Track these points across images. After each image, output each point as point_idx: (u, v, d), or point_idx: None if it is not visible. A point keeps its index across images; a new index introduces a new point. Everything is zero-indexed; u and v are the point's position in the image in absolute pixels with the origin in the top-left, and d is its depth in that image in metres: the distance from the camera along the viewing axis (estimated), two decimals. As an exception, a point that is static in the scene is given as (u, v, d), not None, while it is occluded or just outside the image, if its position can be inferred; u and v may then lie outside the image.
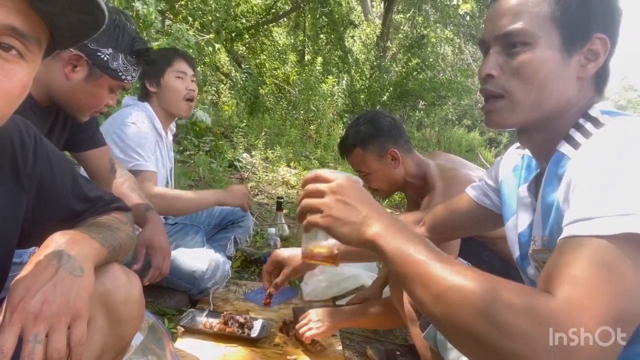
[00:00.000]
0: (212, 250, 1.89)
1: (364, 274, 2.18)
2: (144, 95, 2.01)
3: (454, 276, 0.60)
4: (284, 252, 1.51)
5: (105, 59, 1.29)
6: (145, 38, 4.88)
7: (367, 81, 11.81)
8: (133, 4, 4.69)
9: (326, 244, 0.89)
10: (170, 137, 2.17)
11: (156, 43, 4.37)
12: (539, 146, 0.86)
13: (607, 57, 0.80)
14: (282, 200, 2.66)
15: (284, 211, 3.75)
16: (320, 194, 0.79)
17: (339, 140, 1.98)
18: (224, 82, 8.95)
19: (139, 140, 1.80)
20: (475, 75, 10.99)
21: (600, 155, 0.64)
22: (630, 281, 0.54)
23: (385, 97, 11.30)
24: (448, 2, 8.39)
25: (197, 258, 1.79)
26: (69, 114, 1.37)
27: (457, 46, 12.10)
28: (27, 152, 0.80)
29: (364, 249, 0.74)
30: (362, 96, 11.41)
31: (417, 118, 12.72)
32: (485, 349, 0.55)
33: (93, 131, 1.53)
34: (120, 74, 1.32)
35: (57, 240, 0.74)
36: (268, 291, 1.51)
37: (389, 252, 0.69)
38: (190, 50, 4.53)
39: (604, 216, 0.58)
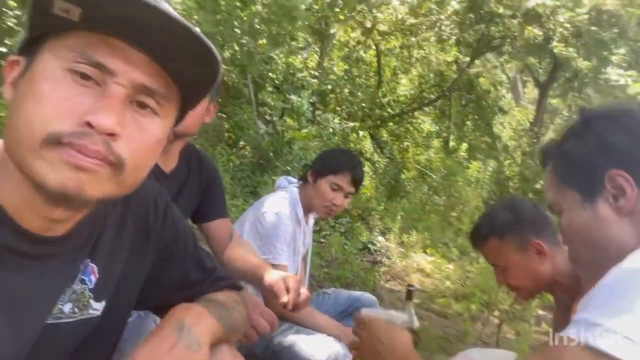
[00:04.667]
0: (332, 339, 1.82)
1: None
2: (303, 179, 2.09)
3: None
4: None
5: None
6: (297, 126, 5.39)
7: (518, 168, 11.11)
8: (289, 97, 5.28)
9: None
10: (312, 222, 2.24)
11: (305, 130, 4.78)
12: None
13: None
14: (412, 289, 2.48)
15: (415, 301, 3.54)
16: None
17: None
18: (366, 166, 9.26)
19: (276, 232, 1.88)
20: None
21: None
22: None
23: (539, 185, 10.43)
24: (614, 83, 7.63)
25: (315, 347, 1.73)
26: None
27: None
28: (158, 215, 0.85)
29: None
30: (511, 183, 10.70)
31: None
32: None
33: (220, 203, 1.66)
34: None
35: (180, 312, 0.76)
36: None
37: None
38: (335, 137, 4.84)
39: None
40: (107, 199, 0.64)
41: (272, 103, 5.10)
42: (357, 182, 2.05)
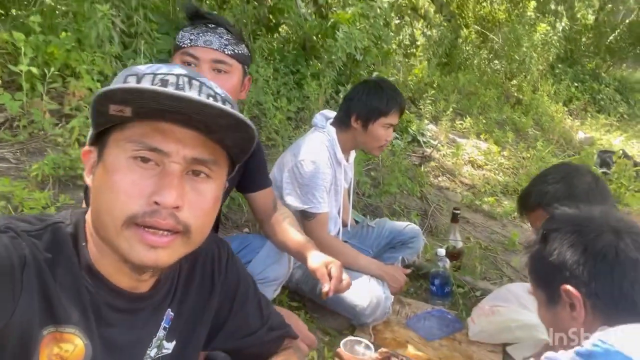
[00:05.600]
0: (374, 281, 1.89)
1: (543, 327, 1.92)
2: (343, 123, 1.99)
3: None
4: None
5: (174, 44, 1.35)
6: (342, 4, 4.88)
7: (595, 15, 9.79)
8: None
9: None
10: (353, 157, 2.19)
11: (349, 10, 4.32)
12: None
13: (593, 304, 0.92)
14: (458, 212, 2.47)
15: (464, 202, 3.53)
16: None
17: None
18: (420, 24, 8.46)
19: (315, 182, 1.87)
20: None
21: None
22: None
23: (611, 38, 9.26)
24: None
25: (358, 293, 1.81)
26: None
27: None
28: (222, 265, 0.95)
29: None
30: (584, 39, 9.58)
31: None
32: None
33: (262, 174, 1.63)
34: (178, 43, 1.32)
35: None
36: None
37: None
38: (383, 18, 4.37)
39: None
40: (181, 258, 0.77)
41: (313, -23, 4.56)
42: (403, 112, 2.04)
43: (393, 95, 1.96)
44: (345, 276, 1.40)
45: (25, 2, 3.16)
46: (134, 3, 3.17)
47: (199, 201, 0.72)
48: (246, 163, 1.59)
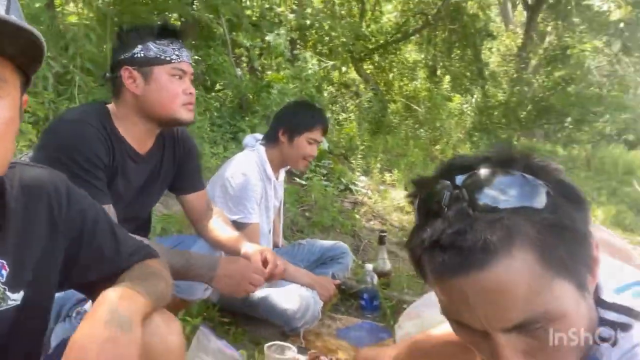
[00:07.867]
0: (304, 288, 1.94)
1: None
2: (273, 139, 2.11)
3: None
4: (370, 353, 1.41)
5: (142, 55, 1.35)
6: (275, 67, 5.27)
7: (505, 96, 11.07)
8: (266, 37, 5.11)
9: None
10: (282, 177, 2.31)
11: (282, 73, 4.68)
12: None
13: None
14: (384, 234, 2.62)
15: (393, 239, 3.70)
16: None
17: None
18: (353, 99, 9.16)
19: (245, 193, 1.95)
20: (633, 88, 9.60)
21: None
22: None
23: (524, 114, 10.46)
24: (598, 9, 7.45)
25: (288, 297, 1.86)
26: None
27: (614, 57, 10.70)
28: (61, 199, 0.87)
29: None
30: (497, 113, 10.72)
31: (563, 134, 11.56)
32: None
33: (198, 177, 1.70)
34: (162, 57, 1.35)
35: (110, 297, 0.77)
36: None
37: None
38: (314, 79, 4.76)
39: None
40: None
41: (248, 44, 4.94)
42: (326, 131, 2.22)
43: (318, 112, 2.16)
44: (279, 262, 1.46)
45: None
46: (71, 51, 3.28)
47: None
48: (181, 165, 1.65)
